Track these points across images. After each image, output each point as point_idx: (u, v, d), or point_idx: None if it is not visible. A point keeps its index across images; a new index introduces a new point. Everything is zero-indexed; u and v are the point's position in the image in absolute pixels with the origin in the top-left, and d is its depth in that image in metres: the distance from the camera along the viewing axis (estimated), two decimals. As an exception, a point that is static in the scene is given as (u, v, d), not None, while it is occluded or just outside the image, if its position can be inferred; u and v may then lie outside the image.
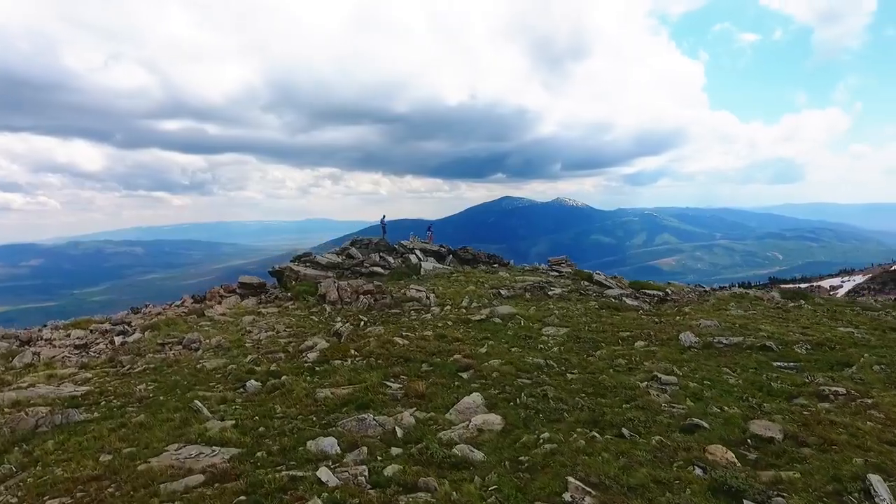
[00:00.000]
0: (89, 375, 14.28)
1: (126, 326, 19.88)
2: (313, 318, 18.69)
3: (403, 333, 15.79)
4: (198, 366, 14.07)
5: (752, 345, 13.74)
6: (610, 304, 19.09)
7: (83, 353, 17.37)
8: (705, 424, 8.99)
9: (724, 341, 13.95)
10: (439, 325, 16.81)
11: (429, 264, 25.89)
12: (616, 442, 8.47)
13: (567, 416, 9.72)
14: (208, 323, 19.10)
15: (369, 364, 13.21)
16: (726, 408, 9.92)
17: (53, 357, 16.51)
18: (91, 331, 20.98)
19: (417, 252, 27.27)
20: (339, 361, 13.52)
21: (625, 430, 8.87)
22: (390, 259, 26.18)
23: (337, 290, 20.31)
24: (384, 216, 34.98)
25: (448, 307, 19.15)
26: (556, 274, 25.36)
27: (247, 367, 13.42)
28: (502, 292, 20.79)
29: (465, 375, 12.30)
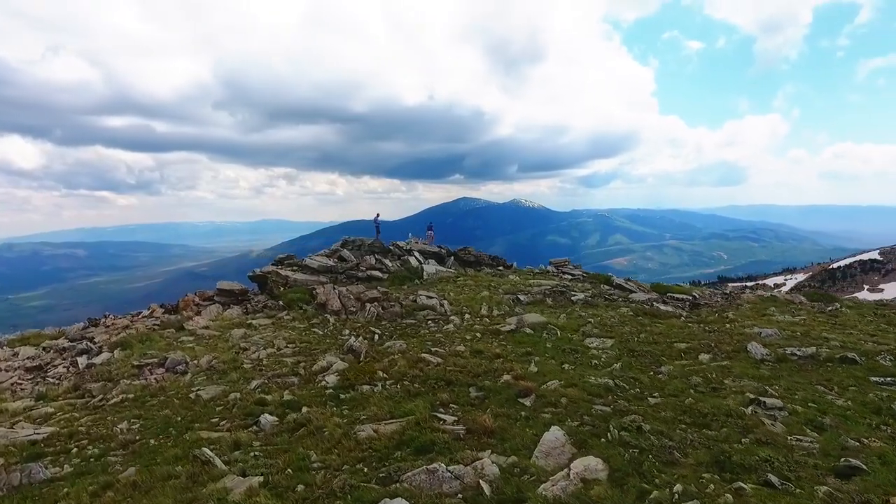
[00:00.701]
0: (51, 409, 11.51)
1: (89, 343, 16.88)
2: (316, 331, 16.27)
3: (432, 349, 13.67)
4: (191, 394, 11.54)
5: (829, 356, 12.33)
6: (644, 310, 17.51)
7: (38, 378, 14.42)
8: (863, 466, 7.33)
9: (798, 353, 12.49)
10: (468, 337, 14.75)
11: (431, 267, 23.76)
12: (772, 496, 6.68)
13: (682, 457, 7.88)
14: (190, 338, 16.37)
15: (406, 389, 11.05)
16: (864, 440, 8.33)
17: None
18: (45, 348, 17.86)
19: (416, 254, 25.09)
20: (368, 387, 11.29)
21: (772, 477, 7.08)
22: (387, 262, 23.91)
23: (339, 297, 17.93)
24: (378, 215, 32.47)
25: (467, 316, 17.10)
26: (570, 277, 23.73)
27: (255, 397, 11.02)
28: (521, 298, 18.92)
29: (527, 402, 10.33)
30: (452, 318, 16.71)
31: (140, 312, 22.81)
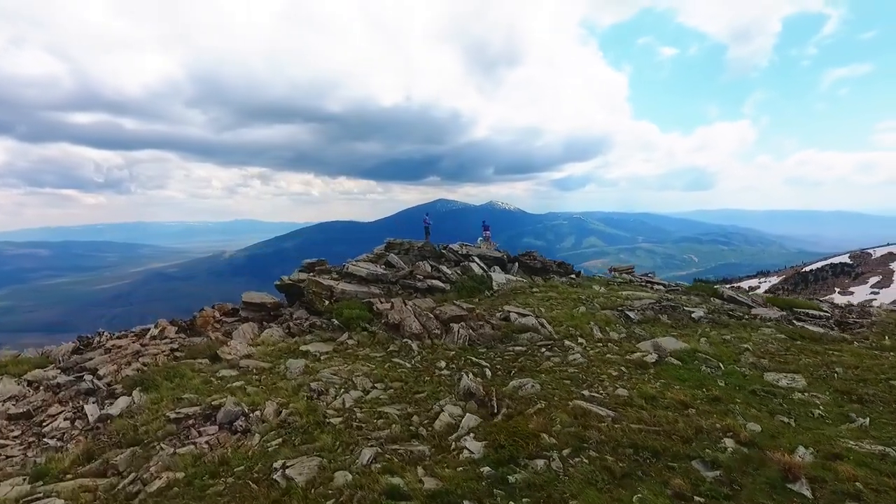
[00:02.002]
0: (60, 503, 7.54)
1: (93, 379, 12.77)
2: (400, 362, 12.51)
3: (583, 393, 10.09)
4: (274, 475, 7.72)
5: None
6: (792, 331, 14.26)
7: (31, 437, 10.35)
8: None
9: None
10: (613, 373, 11.21)
11: (499, 276, 20.18)
12: None
13: None
14: (233, 372, 12.45)
15: (602, 466, 7.50)
16: None
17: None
18: (30, 383, 13.68)
19: (477, 259, 21.43)
20: (541, 462, 7.68)
21: None
22: (444, 269, 20.24)
23: (415, 316, 14.22)
24: (427, 215, 28.57)
25: (581, 340, 13.58)
26: (663, 287, 20.45)
27: (380, 481, 7.28)
28: (630, 315, 15.48)
29: (804, 491, 6.88)
30: (567, 343, 13.15)
31: (146, 330, 18.68)
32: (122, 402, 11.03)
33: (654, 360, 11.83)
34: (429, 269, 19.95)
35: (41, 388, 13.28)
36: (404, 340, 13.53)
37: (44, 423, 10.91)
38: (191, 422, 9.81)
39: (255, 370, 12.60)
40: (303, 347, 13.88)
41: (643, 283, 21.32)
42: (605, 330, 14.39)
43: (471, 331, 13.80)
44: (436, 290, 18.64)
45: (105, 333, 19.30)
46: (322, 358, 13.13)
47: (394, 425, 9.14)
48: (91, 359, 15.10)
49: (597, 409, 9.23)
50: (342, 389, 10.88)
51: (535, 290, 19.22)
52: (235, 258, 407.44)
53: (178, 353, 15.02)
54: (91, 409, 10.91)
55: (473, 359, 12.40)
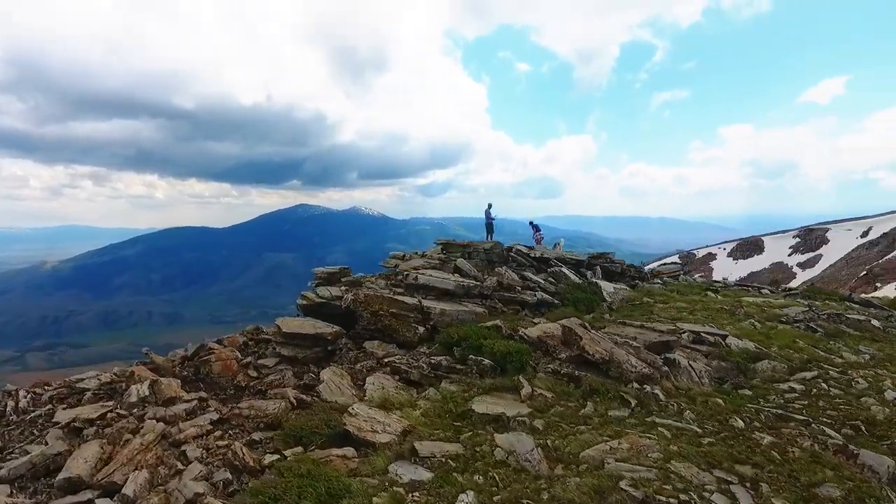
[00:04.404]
0: None
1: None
2: (669, 424, 8.00)
3: None
4: None
5: None
6: None
7: None
8: None
9: None
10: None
11: (607, 285, 16.03)
12: None
13: None
14: (412, 471, 6.91)
15: None
16: None
17: None
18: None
19: (562, 266, 16.99)
20: None
21: None
22: (537, 278, 15.64)
23: (619, 348, 9.68)
24: (490, 205, 22.81)
25: (828, 366, 10.29)
26: (769, 291, 18.11)
27: None
28: (815, 328, 12.64)
29: None
30: (833, 373, 9.75)
31: (110, 385, 11.56)
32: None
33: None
34: (516, 277, 15.32)
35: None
36: (631, 386, 8.98)
37: None
38: None
39: (449, 461, 7.17)
40: (476, 406, 8.63)
41: (723, 287, 18.97)
42: (831, 350, 11.29)
43: (706, 364, 9.74)
44: (545, 304, 14.14)
45: (91, 372, 12.23)
46: (536, 425, 8.07)
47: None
48: (86, 438, 8.26)
49: None
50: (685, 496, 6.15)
51: (647, 299, 15.67)
52: (60, 269, 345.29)
53: (231, 432, 8.72)
54: None
55: (771, 409, 8.36)
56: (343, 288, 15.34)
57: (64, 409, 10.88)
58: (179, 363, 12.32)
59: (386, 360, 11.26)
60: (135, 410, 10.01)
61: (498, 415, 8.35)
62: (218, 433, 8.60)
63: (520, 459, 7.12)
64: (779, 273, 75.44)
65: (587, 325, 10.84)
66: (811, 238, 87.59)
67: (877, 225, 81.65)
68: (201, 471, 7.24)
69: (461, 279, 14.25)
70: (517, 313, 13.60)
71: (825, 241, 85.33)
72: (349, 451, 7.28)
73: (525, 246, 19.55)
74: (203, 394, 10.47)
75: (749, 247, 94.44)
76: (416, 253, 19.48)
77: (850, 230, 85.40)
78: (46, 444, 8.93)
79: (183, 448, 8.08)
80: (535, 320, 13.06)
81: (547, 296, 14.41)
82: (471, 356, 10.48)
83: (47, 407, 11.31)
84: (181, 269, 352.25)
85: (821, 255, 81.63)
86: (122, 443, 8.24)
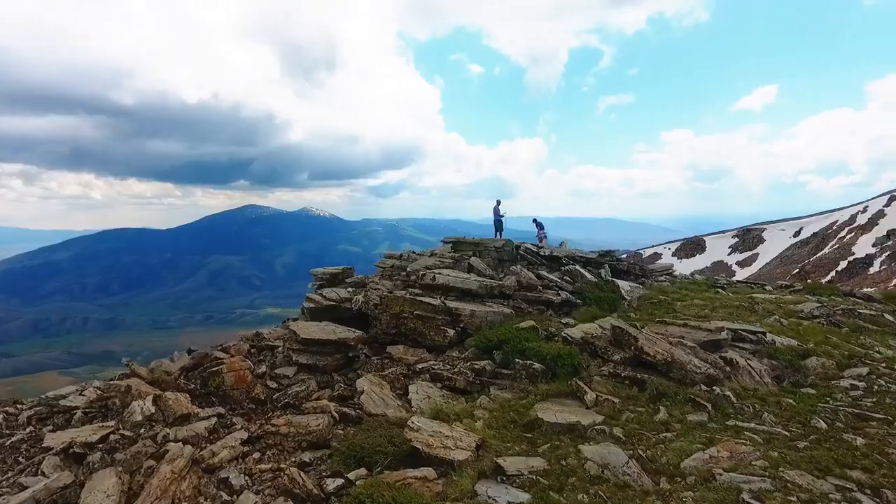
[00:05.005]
0: None
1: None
2: (755, 428, 7.54)
3: None
4: None
5: None
6: None
7: None
8: None
9: None
10: None
11: (624, 283, 15.54)
12: None
13: None
14: (500, 490, 6.13)
15: None
16: None
17: None
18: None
19: (578, 265, 16.36)
20: None
21: None
22: (553, 276, 14.97)
23: (675, 346, 9.17)
24: (498, 202, 21.66)
25: (874, 364, 10.22)
26: (771, 288, 18.17)
27: None
28: (837, 323, 12.68)
29: None
30: (883, 367, 9.65)
31: (101, 401, 10.19)
32: None
33: None
34: (532, 276, 14.69)
35: None
36: (699, 388, 8.50)
37: None
38: None
39: (539, 478, 6.42)
40: (542, 415, 7.92)
41: (750, 285, 19.02)
42: (864, 345, 11.27)
43: (770, 373, 9.40)
44: (568, 303, 13.58)
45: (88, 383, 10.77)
46: (617, 434, 7.43)
47: None
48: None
49: None
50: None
51: (663, 297, 15.39)
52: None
53: (269, 453, 7.65)
54: None
55: (846, 409, 8.07)
56: (349, 289, 14.30)
57: (51, 431, 9.43)
58: (179, 375, 10.99)
59: (419, 366, 10.37)
60: (142, 431, 8.72)
61: (572, 424, 7.67)
62: (256, 455, 7.52)
63: (617, 473, 6.48)
64: (720, 271, 78.53)
65: (636, 325, 10.35)
66: (749, 238, 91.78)
67: (807, 225, 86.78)
68: (256, 502, 6.18)
69: (482, 279, 13.50)
70: (542, 313, 12.98)
71: (761, 241, 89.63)
72: (428, 471, 6.41)
73: (532, 244, 19.01)
74: (220, 409, 9.27)
75: (692, 246, 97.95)
76: (415, 252, 18.57)
77: (783, 230, 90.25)
78: (44, 474, 7.58)
79: (221, 474, 6.97)
80: (564, 321, 12.48)
81: (570, 295, 13.88)
82: (517, 360, 9.75)
83: (28, 429, 9.79)
84: (119, 272, 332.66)
85: (758, 254, 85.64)
86: (143, 471, 7.05)
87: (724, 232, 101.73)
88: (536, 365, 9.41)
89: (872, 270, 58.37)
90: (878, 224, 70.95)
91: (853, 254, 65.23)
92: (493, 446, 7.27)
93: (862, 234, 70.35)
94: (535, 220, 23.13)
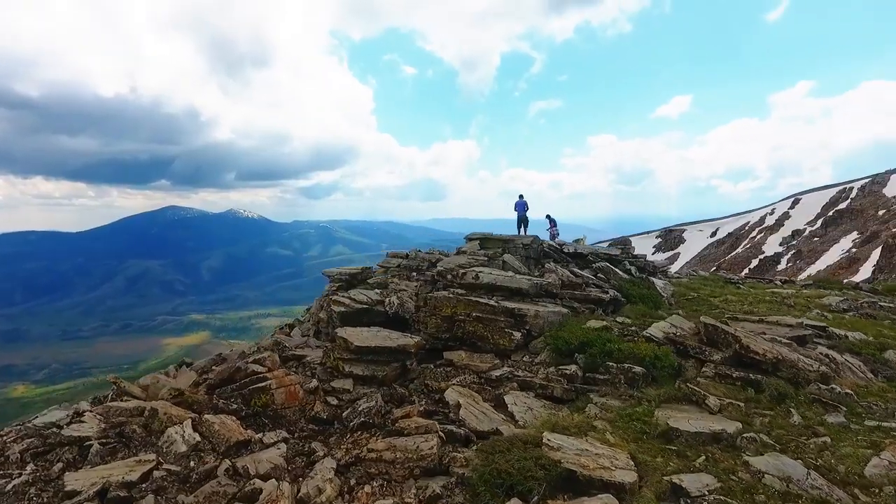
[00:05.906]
0: None
1: None
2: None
3: None
4: None
5: None
6: None
7: None
8: None
9: None
10: None
11: (658, 280, 15.02)
12: None
13: None
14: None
15: None
16: None
17: None
18: None
19: (604, 261, 15.72)
20: None
21: None
22: (586, 273, 14.22)
23: (789, 349, 8.65)
24: (521, 196, 20.18)
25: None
26: (799, 283, 18.33)
27: None
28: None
29: None
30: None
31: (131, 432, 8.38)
32: None
33: None
34: (569, 274, 13.93)
35: None
36: (815, 386, 8.02)
37: None
38: None
39: (723, 497, 5.60)
40: (676, 424, 7.12)
41: (761, 280, 19.19)
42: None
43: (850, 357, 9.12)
44: (615, 301, 12.92)
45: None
46: (768, 442, 6.76)
47: None
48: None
49: None
50: None
51: (694, 294, 15.12)
52: None
53: (374, 484, 6.37)
54: None
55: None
56: (377, 291, 12.98)
57: (64, 470, 7.53)
58: (207, 392, 9.32)
59: (494, 374, 9.31)
60: (192, 464, 7.14)
61: (716, 433, 6.91)
62: (367, 488, 6.21)
63: (804, 487, 5.77)
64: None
65: (727, 322, 9.82)
66: (671, 238, 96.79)
67: (723, 226, 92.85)
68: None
69: (531, 277, 12.59)
70: (592, 312, 12.26)
71: (682, 241, 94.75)
72: (609, 498, 5.41)
73: (549, 241, 18.36)
74: (283, 433, 7.80)
75: (620, 247, 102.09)
76: (421, 251, 17.39)
77: (701, 230, 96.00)
78: (86, 530, 5.88)
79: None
80: (619, 319, 11.82)
81: (617, 293, 13.27)
82: (609, 363, 8.93)
83: (29, 468, 7.81)
84: (23, 279, 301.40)
85: (679, 253, 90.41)
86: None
87: (648, 232, 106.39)
88: (637, 368, 8.62)
89: (780, 267, 62.66)
90: (783, 225, 76.83)
91: (763, 252, 70.00)
92: (644, 462, 6.39)
93: (770, 234, 75.81)
94: (548, 216, 22.52)
